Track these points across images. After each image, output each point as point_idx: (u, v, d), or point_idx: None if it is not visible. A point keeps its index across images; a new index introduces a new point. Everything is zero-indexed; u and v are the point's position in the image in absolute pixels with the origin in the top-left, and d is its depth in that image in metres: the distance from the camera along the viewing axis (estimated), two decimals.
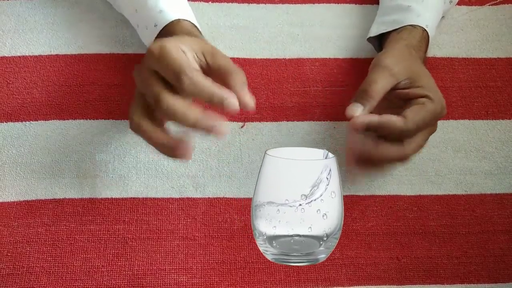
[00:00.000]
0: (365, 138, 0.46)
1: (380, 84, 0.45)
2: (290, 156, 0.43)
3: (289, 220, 0.42)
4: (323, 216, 0.43)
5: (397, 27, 0.54)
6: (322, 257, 0.44)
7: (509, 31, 0.64)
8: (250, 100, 0.41)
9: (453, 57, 0.62)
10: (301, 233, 0.43)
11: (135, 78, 0.44)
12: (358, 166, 0.47)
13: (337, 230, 0.44)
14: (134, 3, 0.54)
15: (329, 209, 0.43)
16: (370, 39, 0.58)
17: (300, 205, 0.42)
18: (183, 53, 0.41)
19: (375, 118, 0.44)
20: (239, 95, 0.41)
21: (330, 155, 0.46)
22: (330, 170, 0.43)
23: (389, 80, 0.46)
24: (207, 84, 0.40)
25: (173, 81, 0.40)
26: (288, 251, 0.43)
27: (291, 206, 0.42)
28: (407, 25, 0.54)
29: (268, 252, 0.44)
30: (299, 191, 0.42)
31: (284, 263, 0.44)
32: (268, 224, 0.43)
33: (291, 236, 0.43)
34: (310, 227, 0.43)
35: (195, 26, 0.53)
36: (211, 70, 0.43)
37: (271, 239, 0.43)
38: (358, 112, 0.45)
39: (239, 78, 0.42)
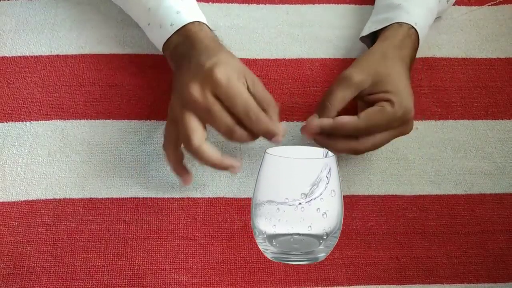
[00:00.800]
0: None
1: (338, 95, 0.48)
2: (290, 155, 0.43)
3: (289, 218, 0.42)
4: (323, 215, 0.43)
5: (386, 25, 0.55)
6: (322, 256, 0.44)
7: (509, 31, 0.64)
8: (281, 132, 0.46)
9: (453, 57, 0.62)
10: (300, 232, 0.43)
11: (190, 96, 0.46)
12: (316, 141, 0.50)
13: (336, 229, 0.44)
14: (148, 2, 0.54)
15: (329, 208, 0.43)
16: (363, 39, 0.59)
17: (300, 204, 0.42)
18: (245, 88, 0.46)
19: (328, 121, 0.48)
20: (273, 128, 0.46)
21: (330, 154, 0.46)
22: (330, 169, 0.43)
23: (348, 90, 0.49)
24: (264, 119, 0.46)
25: (238, 113, 0.45)
26: (288, 249, 0.43)
27: (290, 205, 0.42)
28: (394, 23, 0.54)
29: (268, 250, 0.44)
30: (299, 190, 0.42)
31: (284, 262, 0.44)
32: (268, 223, 0.43)
33: (291, 234, 0.43)
34: (310, 226, 0.43)
35: (211, 30, 0.54)
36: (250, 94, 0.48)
37: (271, 237, 0.43)
38: (315, 124, 0.48)
39: (274, 113, 0.47)
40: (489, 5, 0.66)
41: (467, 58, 0.62)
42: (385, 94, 0.48)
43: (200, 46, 0.50)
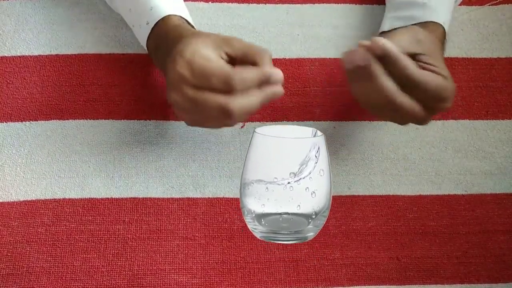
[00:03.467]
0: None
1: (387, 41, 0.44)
2: (278, 134, 0.43)
3: (277, 198, 0.42)
4: (311, 194, 0.43)
5: (413, 23, 0.53)
6: (311, 235, 0.44)
7: (509, 31, 0.64)
8: (280, 74, 0.43)
9: (453, 57, 0.62)
10: (289, 211, 0.43)
11: (178, 105, 0.44)
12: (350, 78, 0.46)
13: (325, 208, 0.44)
14: (128, 2, 0.54)
15: (318, 187, 0.43)
16: (381, 34, 0.58)
17: (289, 183, 0.42)
18: (213, 61, 0.43)
19: (395, 49, 0.43)
20: (266, 72, 0.43)
21: (319, 133, 0.45)
22: (318, 148, 0.43)
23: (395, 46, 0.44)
24: (252, 73, 0.43)
25: (223, 88, 0.42)
26: (277, 229, 0.43)
27: (279, 184, 0.42)
28: (428, 21, 0.53)
29: (257, 230, 0.44)
30: (287, 169, 0.42)
31: (273, 241, 0.44)
32: (257, 202, 0.43)
33: (280, 214, 0.43)
34: (299, 205, 0.43)
35: (186, 21, 0.52)
36: (235, 58, 0.45)
37: (260, 217, 0.43)
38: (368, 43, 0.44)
39: (266, 57, 0.44)
40: (489, 5, 0.66)
41: (467, 58, 0.62)
42: (435, 68, 0.45)
43: (171, 41, 0.48)
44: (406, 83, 0.44)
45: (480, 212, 0.52)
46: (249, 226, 0.45)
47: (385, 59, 0.44)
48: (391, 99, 0.44)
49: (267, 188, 0.42)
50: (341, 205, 0.52)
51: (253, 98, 0.43)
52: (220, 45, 0.45)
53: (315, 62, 0.60)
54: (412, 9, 0.55)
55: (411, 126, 0.56)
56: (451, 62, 0.61)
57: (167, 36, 0.49)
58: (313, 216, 0.43)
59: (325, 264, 0.49)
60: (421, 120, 0.46)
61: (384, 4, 0.62)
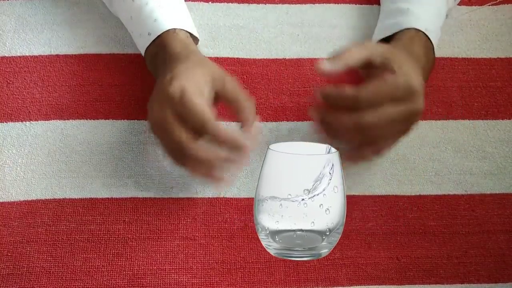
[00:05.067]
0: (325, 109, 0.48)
1: (353, 51, 0.47)
2: (292, 151, 0.43)
3: (291, 214, 0.42)
4: (325, 211, 0.43)
5: (396, 31, 0.55)
6: (325, 252, 0.44)
7: (509, 31, 0.64)
8: (245, 145, 0.45)
9: (453, 57, 0.62)
10: (303, 228, 0.43)
11: (151, 116, 0.46)
12: (323, 132, 0.48)
13: (339, 225, 0.44)
14: (130, 10, 0.54)
15: (332, 204, 0.43)
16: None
17: (303, 199, 0.42)
18: (203, 98, 0.45)
19: (331, 88, 0.46)
20: (248, 130, 0.46)
21: (333, 149, 0.45)
22: (332, 165, 0.43)
23: (363, 51, 0.48)
24: (229, 135, 0.44)
25: (196, 127, 0.44)
26: (291, 246, 0.43)
27: (293, 201, 0.42)
28: (410, 28, 0.54)
29: (271, 247, 0.44)
30: (301, 186, 0.42)
31: (287, 258, 0.44)
32: (271, 219, 0.43)
33: (294, 231, 0.43)
34: (313, 222, 0.43)
35: (191, 35, 0.53)
36: (221, 97, 0.47)
37: (274, 234, 0.43)
38: (326, 65, 0.47)
39: (248, 114, 0.47)
40: (489, 5, 0.66)
41: (467, 58, 0.62)
42: (388, 68, 0.47)
43: (170, 57, 0.49)
44: (358, 104, 0.45)
45: (480, 212, 0.52)
46: (263, 243, 0.45)
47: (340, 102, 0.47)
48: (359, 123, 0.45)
49: (281, 204, 0.43)
50: None
51: (212, 153, 0.44)
52: (216, 83, 0.47)
53: (315, 62, 0.60)
54: (397, 16, 0.56)
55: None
56: (451, 62, 0.61)
57: (169, 48, 0.50)
58: (327, 233, 0.43)
59: (325, 264, 0.49)
60: (407, 115, 0.47)
61: None
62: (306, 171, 0.43)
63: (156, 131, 0.46)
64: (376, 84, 0.46)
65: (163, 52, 0.51)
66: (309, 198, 0.42)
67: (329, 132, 0.48)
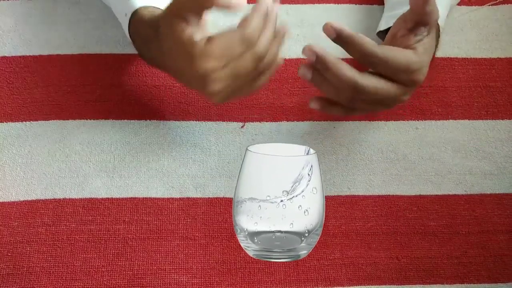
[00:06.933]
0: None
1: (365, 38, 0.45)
2: (271, 152, 0.43)
3: (270, 216, 0.42)
4: (304, 212, 0.43)
5: None
6: (304, 253, 0.44)
7: (509, 31, 0.64)
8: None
9: (453, 57, 0.62)
10: (282, 229, 0.43)
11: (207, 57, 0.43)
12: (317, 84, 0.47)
13: (318, 226, 0.44)
14: None
15: (311, 205, 0.43)
16: (379, 34, 0.58)
17: (282, 201, 0.42)
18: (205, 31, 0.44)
19: (347, 29, 0.44)
20: None
21: (312, 151, 0.45)
22: (311, 166, 0.43)
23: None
24: (255, 20, 0.45)
25: (247, 49, 0.43)
26: (270, 247, 0.43)
27: (272, 202, 0.42)
28: None
29: (250, 248, 0.44)
30: (280, 187, 0.42)
31: (266, 259, 0.44)
32: (250, 220, 0.43)
33: (273, 232, 0.43)
34: (292, 223, 0.43)
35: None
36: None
37: (253, 235, 0.43)
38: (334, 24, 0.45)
39: None
40: (489, 5, 0.66)
41: (467, 58, 0.62)
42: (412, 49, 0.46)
43: (151, 22, 0.47)
44: (371, 62, 0.44)
45: (480, 212, 0.52)
46: (242, 244, 0.45)
47: (343, 45, 0.44)
48: (350, 81, 0.43)
49: (259, 206, 0.42)
50: (341, 205, 0.52)
51: (268, 34, 0.44)
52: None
53: None
54: (406, 6, 0.55)
55: (411, 126, 0.57)
56: (451, 62, 0.61)
57: (146, 17, 0.48)
58: (306, 234, 0.43)
59: (325, 264, 0.49)
60: (397, 96, 0.46)
61: (384, 4, 0.62)
62: (285, 172, 0.43)
63: (231, 86, 0.43)
64: (395, 50, 0.44)
65: (142, 26, 0.48)
66: (288, 200, 0.42)
67: (322, 85, 0.46)
